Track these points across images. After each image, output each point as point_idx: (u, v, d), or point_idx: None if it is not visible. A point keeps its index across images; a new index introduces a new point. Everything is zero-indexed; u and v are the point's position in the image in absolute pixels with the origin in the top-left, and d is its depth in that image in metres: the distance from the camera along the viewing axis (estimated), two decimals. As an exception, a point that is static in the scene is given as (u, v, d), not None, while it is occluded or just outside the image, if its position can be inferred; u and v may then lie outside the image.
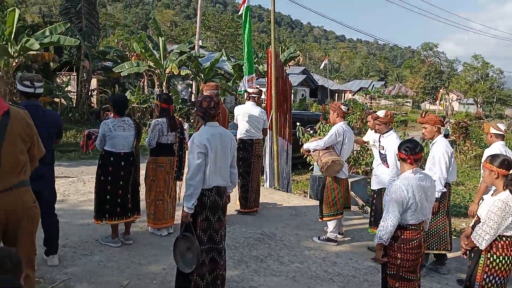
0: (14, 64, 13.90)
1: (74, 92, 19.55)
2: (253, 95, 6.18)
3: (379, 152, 4.97)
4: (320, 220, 5.30)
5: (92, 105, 20.44)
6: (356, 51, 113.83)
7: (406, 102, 52.37)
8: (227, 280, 3.62)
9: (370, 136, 6.53)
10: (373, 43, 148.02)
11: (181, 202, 4.80)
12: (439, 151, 4.46)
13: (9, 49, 13.23)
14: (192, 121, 18.62)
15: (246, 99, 6.47)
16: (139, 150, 4.60)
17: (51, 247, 3.93)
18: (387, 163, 4.78)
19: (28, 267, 2.64)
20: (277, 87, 7.82)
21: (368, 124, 6.67)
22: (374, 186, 5.07)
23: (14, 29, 13.47)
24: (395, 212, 2.96)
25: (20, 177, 2.59)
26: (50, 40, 13.57)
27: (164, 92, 15.73)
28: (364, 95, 51.11)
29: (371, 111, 7.10)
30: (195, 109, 3.37)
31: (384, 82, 66.20)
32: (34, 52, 13.78)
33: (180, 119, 5.23)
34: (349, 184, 5.69)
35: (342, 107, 5.28)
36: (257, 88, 6.54)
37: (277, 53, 7.88)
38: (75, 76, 20.19)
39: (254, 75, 7.89)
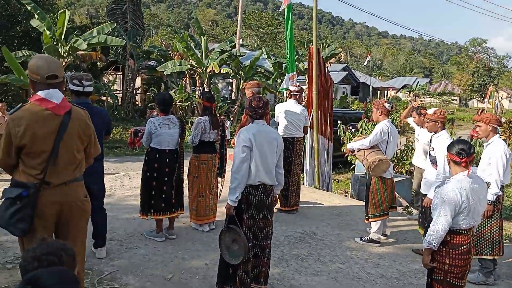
0: (64, 63, 14.54)
1: (119, 91, 20.24)
2: (294, 93, 6.15)
3: (429, 153, 4.79)
4: (366, 221, 5.21)
5: (137, 103, 21.08)
6: (399, 47, 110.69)
7: (453, 100, 50.34)
8: (268, 278, 3.62)
9: (419, 132, 6.36)
10: (418, 39, 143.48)
11: (222, 199, 4.89)
12: (497, 152, 4.22)
13: (60, 49, 13.85)
14: (232, 119, 18.81)
15: (287, 97, 6.44)
16: (183, 147, 4.69)
17: (99, 240, 4.08)
18: (436, 165, 4.58)
19: (78, 260, 2.75)
20: (319, 84, 7.74)
21: (414, 120, 6.48)
22: (424, 190, 4.87)
23: (64, 30, 14.09)
24: (447, 216, 2.84)
25: (75, 174, 2.68)
26: (97, 40, 14.09)
27: (206, 90, 15.96)
28: (408, 93, 49.62)
29: (417, 106, 6.86)
30: (245, 108, 3.43)
31: (429, 79, 63.99)
32: (83, 52, 14.37)
33: (222, 117, 5.29)
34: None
35: (386, 104, 5.15)
36: (298, 86, 6.50)
37: (319, 50, 7.79)
38: (121, 75, 20.89)
39: (295, 72, 7.84)
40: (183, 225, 5.17)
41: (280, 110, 6.00)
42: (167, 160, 4.48)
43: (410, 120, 6.64)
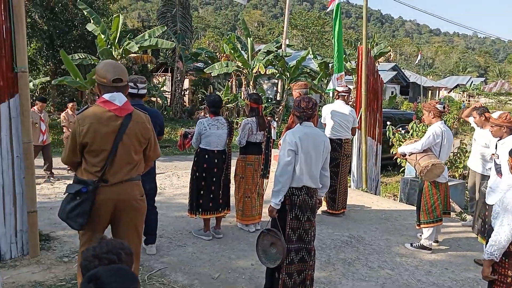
0: (117, 66, 15.13)
1: (168, 92, 20.79)
2: (342, 93, 6.05)
3: (494, 161, 4.51)
4: (417, 227, 5.03)
5: (185, 104, 21.57)
6: (452, 45, 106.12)
7: (510, 100, 47.56)
8: (314, 281, 3.59)
9: (478, 133, 6.02)
10: (472, 36, 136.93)
11: (266, 199, 4.89)
12: None
13: (113, 52, 14.44)
14: (276, 119, 18.80)
15: (335, 98, 6.35)
16: (231, 148, 4.75)
17: (149, 237, 4.20)
18: (501, 174, 4.28)
19: (137, 259, 2.86)
20: (368, 84, 7.57)
21: (474, 120, 6.13)
22: (489, 200, 4.54)
23: (118, 34, 14.67)
24: (511, 225, 2.67)
25: (132, 174, 2.78)
26: (148, 43, 14.56)
27: (254, 92, 16.03)
28: (461, 93, 47.45)
29: (480, 106, 6.49)
30: (292, 109, 3.40)
31: (484, 78, 60.88)
32: (135, 55, 14.89)
33: (268, 118, 5.30)
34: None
35: (438, 106, 4.93)
36: (346, 86, 6.39)
37: (368, 50, 7.61)
38: (170, 77, 21.47)
39: (343, 73, 7.71)
40: (229, 225, 5.22)
41: (328, 111, 5.93)
42: (216, 160, 4.55)
43: (471, 120, 6.30)
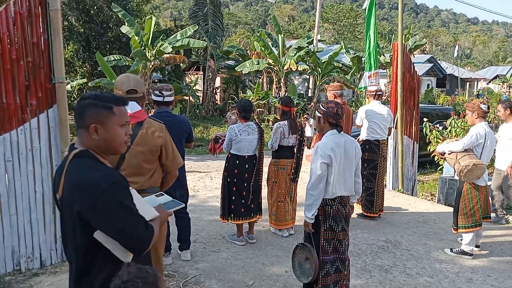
0: (150, 66, 15.41)
1: (200, 91, 21.00)
2: (379, 92, 5.90)
3: None
4: (453, 231, 4.84)
5: (216, 102, 21.73)
6: (491, 34, 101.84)
7: (554, 90, 45.20)
8: (351, 289, 3.51)
9: (503, 129, 5.76)
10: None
11: (299, 202, 4.83)
12: None
13: (147, 54, 14.68)
14: (313, 117, 18.61)
15: (367, 97, 6.16)
16: (263, 153, 4.71)
17: (183, 243, 4.24)
18: None
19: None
20: (403, 82, 7.34)
21: (499, 113, 5.86)
22: None
23: (151, 35, 14.92)
24: None
25: (144, 185, 2.76)
26: (181, 43, 14.72)
27: (285, 95, 15.92)
28: (501, 84, 45.47)
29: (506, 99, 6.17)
30: (323, 115, 3.27)
31: (526, 67, 58.06)
32: (168, 55, 15.09)
33: (305, 115, 5.22)
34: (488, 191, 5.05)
35: (482, 106, 4.71)
36: (378, 85, 6.21)
37: (405, 46, 7.37)
38: (202, 75, 21.67)
39: (377, 70, 7.50)
40: (263, 229, 5.20)
41: (365, 112, 5.76)
42: (247, 166, 4.53)
43: None
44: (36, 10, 3.75)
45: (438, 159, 8.69)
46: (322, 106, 3.29)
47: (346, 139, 3.27)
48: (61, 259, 4.08)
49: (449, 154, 4.75)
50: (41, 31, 3.81)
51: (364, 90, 7.77)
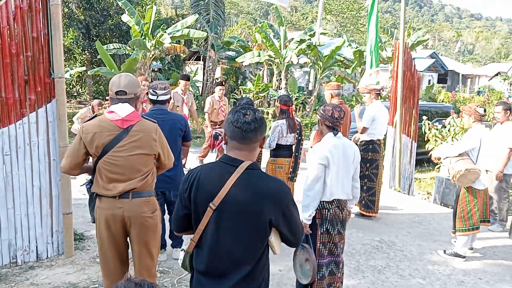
0: (150, 56, 15.34)
1: (200, 81, 20.93)
2: (377, 92, 5.87)
3: None
4: (452, 234, 4.89)
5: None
6: (494, 30, 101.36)
7: (556, 89, 45.11)
8: (343, 290, 3.55)
9: (497, 131, 5.71)
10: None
11: (297, 201, 4.84)
12: None
13: (147, 43, 14.60)
14: (308, 109, 18.61)
15: (370, 97, 6.03)
16: (261, 152, 4.72)
17: (175, 241, 4.22)
18: None
19: (146, 277, 2.82)
20: (404, 81, 7.34)
21: (498, 115, 5.76)
22: None
23: (151, 25, 14.83)
24: None
25: (138, 185, 2.76)
26: (181, 33, 14.63)
27: (284, 94, 15.89)
28: (503, 81, 45.37)
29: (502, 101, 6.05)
30: (321, 117, 3.29)
31: (528, 65, 57.90)
32: (168, 45, 15.02)
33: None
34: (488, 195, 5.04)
35: (478, 109, 4.72)
36: (378, 83, 6.19)
37: (406, 45, 7.35)
38: (202, 65, 21.60)
39: (378, 68, 7.50)
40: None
41: (371, 114, 5.68)
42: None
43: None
44: (36, 5, 3.74)
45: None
46: (321, 108, 3.32)
47: (345, 143, 3.29)
48: (57, 253, 4.12)
49: (444, 159, 4.78)
50: (41, 25, 3.80)
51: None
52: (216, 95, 7.94)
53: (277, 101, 4.92)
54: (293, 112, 4.94)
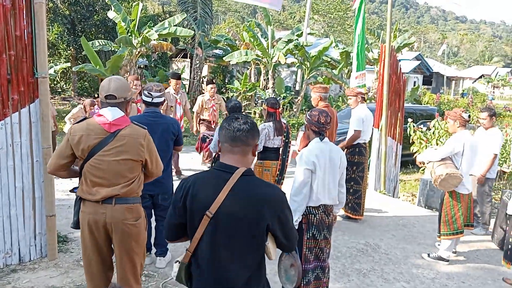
0: (136, 53, 15.18)
1: (187, 79, 20.79)
2: (362, 95, 5.91)
3: None
4: (438, 238, 4.95)
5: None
6: (478, 33, 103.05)
7: (537, 92, 46.10)
8: (328, 294, 3.56)
9: (481, 136, 5.78)
10: (500, 24, 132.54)
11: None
12: None
13: (133, 40, 14.45)
14: (295, 110, 18.65)
15: (356, 100, 6.05)
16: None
17: (159, 248, 4.12)
18: None
19: (127, 285, 2.78)
20: (390, 84, 7.40)
21: (482, 120, 5.80)
22: None
23: (137, 22, 14.67)
24: None
25: (122, 191, 2.71)
26: (168, 31, 14.50)
27: (271, 96, 15.85)
28: (486, 83, 46.18)
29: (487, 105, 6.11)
30: (307, 122, 3.30)
31: (510, 68, 59.07)
32: (155, 43, 14.87)
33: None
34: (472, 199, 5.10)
35: (464, 115, 4.78)
36: (363, 86, 6.24)
37: (392, 48, 7.41)
38: (189, 63, 21.45)
39: (364, 71, 7.55)
40: (245, 229, 5.22)
41: (360, 117, 5.72)
42: (232, 166, 4.53)
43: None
44: (20, 3, 3.65)
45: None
46: (308, 113, 3.33)
47: (331, 148, 3.30)
48: (40, 255, 4.05)
49: (427, 163, 4.83)
50: (25, 24, 3.71)
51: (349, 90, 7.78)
52: (207, 94, 7.74)
53: (264, 104, 4.91)
54: (280, 114, 4.93)
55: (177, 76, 7.28)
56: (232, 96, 18.16)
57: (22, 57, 3.73)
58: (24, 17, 3.70)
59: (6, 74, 3.67)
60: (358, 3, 7.19)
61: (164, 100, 4.00)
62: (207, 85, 7.87)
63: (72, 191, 2.90)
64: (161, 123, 3.78)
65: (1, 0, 3.55)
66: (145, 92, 3.78)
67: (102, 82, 2.79)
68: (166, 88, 6.63)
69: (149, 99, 3.78)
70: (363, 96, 5.91)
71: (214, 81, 8.02)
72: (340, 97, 20.35)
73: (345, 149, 5.72)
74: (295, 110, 18.66)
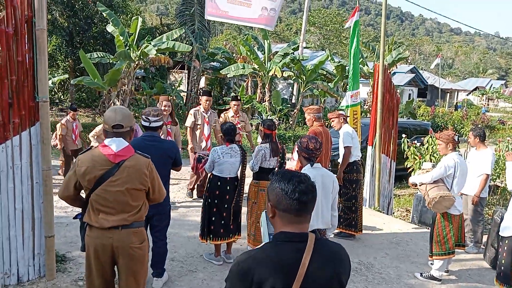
0: (134, 67, 15.30)
1: (184, 92, 20.92)
2: (344, 117, 6.11)
3: None
4: (429, 258, 5.04)
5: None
6: (473, 45, 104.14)
7: (531, 104, 46.57)
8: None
9: (473, 157, 5.96)
10: (494, 37, 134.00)
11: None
12: None
13: (131, 54, 14.57)
14: (291, 122, 18.78)
15: (341, 122, 6.12)
16: (244, 175, 4.79)
17: (155, 270, 4.14)
18: None
19: None
20: (383, 103, 7.53)
21: (470, 140, 6.02)
22: (506, 232, 4.34)
23: (136, 36, 14.81)
24: None
25: (129, 220, 2.82)
26: (166, 46, 14.65)
27: (268, 118, 15.97)
28: (480, 96, 46.62)
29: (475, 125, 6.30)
30: (298, 149, 3.40)
31: (504, 81, 59.73)
32: (153, 56, 15.01)
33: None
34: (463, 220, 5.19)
35: (455, 138, 4.91)
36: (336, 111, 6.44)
37: (386, 67, 7.56)
38: (186, 75, 21.60)
39: (359, 90, 7.69)
40: (240, 247, 5.28)
41: (349, 135, 5.90)
42: (228, 187, 4.61)
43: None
44: (22, 29, 3.74)
45: (413, 171, 8.92)
46: (298, 141, 3.43)
47: (323, 173, 3.39)
48: (38, 275, 4.09)
49: (420, 185, 4.93)
50: (27, 49, 3.81)
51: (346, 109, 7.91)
52: (230, 111, 6.97)
53: (261, 125, 5.01)
54: (276, 136, 5.04)
55: (208, 93, 6.79)
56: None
57: (24, 81, 3.82)
58: (26, 43, 3.79)
59: (7, 98, 3.75)
60: (353, 24, 7.34)
61: (163, 124, 4.09)
62: (231, 101, 7.23)
63: (75, 218, 2.97)
64: (159, 147, 3.86)
65: (4, 27, 3.65)
66: (143, 116, 3.89)
67: (107, 112, 2.89)
68: (164, 100, 6.37)
69: (147, 123, 3.88)
70: (345, 117, 6.11)
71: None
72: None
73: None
74: (291, 122, 18.81)
